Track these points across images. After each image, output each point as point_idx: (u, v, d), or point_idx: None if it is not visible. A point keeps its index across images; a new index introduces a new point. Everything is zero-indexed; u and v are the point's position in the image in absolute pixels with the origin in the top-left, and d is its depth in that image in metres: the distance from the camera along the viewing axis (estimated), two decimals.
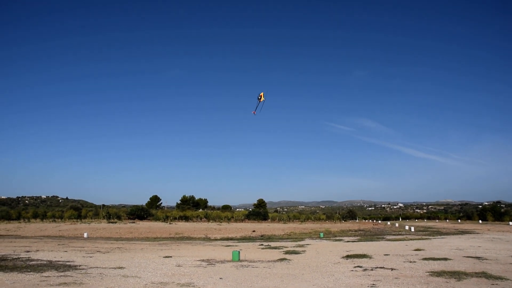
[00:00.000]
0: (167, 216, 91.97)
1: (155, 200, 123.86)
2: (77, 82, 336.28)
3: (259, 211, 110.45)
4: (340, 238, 31.69)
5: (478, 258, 16.25)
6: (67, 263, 14.51)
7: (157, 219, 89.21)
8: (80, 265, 13.94)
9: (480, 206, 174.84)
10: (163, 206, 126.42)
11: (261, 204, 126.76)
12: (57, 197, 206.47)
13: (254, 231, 44.09)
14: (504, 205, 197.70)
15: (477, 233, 38.26)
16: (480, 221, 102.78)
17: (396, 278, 11.04)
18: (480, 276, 11.29)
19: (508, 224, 74.90)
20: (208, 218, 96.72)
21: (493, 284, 10.12)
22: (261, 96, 22.08)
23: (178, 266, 13.90)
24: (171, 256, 17.31)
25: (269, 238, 32.75)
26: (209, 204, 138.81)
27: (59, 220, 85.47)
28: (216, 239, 30.98)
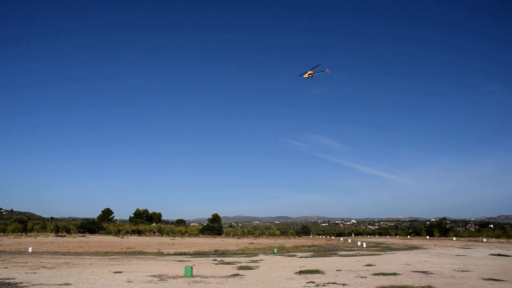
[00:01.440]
0: (119, 230, 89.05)
1: (107, 213, 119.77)
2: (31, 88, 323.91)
3: (214, 226, 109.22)
4: (294, 253, 31.80)
5: (424, 272, 16.78)
6: (7, 281, 13.66)
7: (108, 233, 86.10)
8: (21, 282, 13.18)
9: (428, 222, 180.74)
10: (116, 220, 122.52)
11: (215, 218, 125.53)
12: (1, 209, 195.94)
13: (216, 250, 43.46)
14: (449, 221, 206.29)
15: (425, 249, 39.58)
16: (428, 237, 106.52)
17: None
18: None
19: (452, 240, 78.31)
20: (161, 232, 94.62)
21: None
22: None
23: (129, 282, 13.42)
24: (121, 272, 16.69)
25: (223, 253, 32.40)
26: (163, 218, 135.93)
27: (1, 233, 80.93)
28: (169, 254, 30.28)
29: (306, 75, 23.39)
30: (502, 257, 27.78)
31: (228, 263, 22.27)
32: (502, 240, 77.41)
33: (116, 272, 16.46)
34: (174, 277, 14.88)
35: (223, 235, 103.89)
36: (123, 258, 25.82)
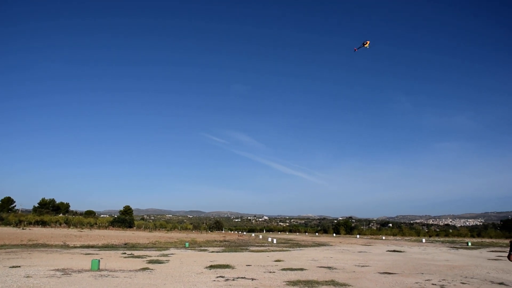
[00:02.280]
0: (21, 220, 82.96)
1: (7, 202, 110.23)
2: None
3: (125, 218, 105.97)
4: (205, 248, 31.88)
5: (329, 268, 17.73)
6: None
7: (8, 223, 79.72)
8: None
9: (335, 221, 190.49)
10: (17, 210, 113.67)
11: (127, 211, 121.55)
12: None
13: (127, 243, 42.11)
14: (354, 220, 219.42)
15: (331, 245, 41.69)
16: (334, 234, 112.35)
17: (255, 287, 11.46)
18: (329, 284, 12.33)
19: (356, 237, 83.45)
20: (68, 224, 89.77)
21: None
22: (367, 43, 23.19)
23: (27, 277, 12.58)
24: (19, 266, 15.56)
25: (133, 246, 31.57)
26: (71, 209, 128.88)
27: None
28: (75, 247, 28.87)
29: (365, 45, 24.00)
30: (396, 252, 30.22)
31: (138, 256, 21.79)
32: (397, 238, 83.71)
33: (13, 267, 15.25)
34: (80, 271, 14.26)
35: (135, 228, 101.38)
36: (23, 251, 24.12)
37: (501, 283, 13.65)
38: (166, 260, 19.83)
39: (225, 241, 48.15)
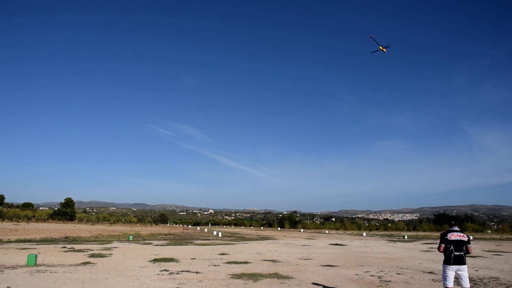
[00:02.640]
0: None
1: None
2: None
3: (66, 211, 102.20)
4: (150, 241, 31.41)
5: (273, 261, 18.03)
6: None
7: None
8: None
9: (280, 215, 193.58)
10: None
11: (68, 203, 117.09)
12: None
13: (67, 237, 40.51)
14: (299, 215, 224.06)
15: (275, 239, 42.35)
16: (279, 228, 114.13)
17: (200, 281, 11.45)
18: (273, 277, 12.55)
19: (300, 231, 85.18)
20: (3, 217, 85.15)
21: (282, 283, 11.38)
22: (383, 48, 23.08)
23: None
24: None
25: (74, 240, 30.52)
26: (6, 201, 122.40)
27: None
28: (10, 241, 27.48)
29: (382, 48, 23.85)
30: (338, 246, 31.23)
31: (79, 250, 21.12)
32: (340, 232, 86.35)
33: None
34: (14, 267, 13.59)
35: (76, 221, 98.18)
36: None
37: (430, 272, 14.65)
38: (109, 254, 19.37)
39: (170, 234, 47.61)
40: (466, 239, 7.99)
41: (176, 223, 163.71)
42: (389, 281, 12.25)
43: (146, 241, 31.49)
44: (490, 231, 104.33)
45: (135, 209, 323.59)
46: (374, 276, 13.41)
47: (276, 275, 12.95)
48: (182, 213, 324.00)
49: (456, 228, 8.13)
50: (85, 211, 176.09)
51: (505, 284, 12.14)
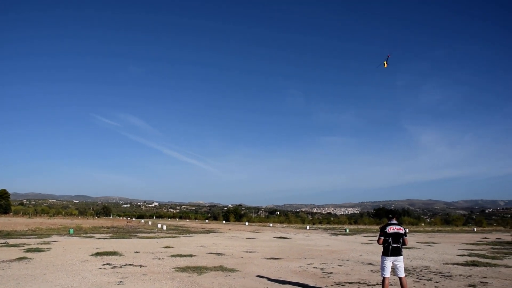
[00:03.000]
0: None
1: None
2: None
3: (0, 203, 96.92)
4: (92, 235, 30.53)
5: (218, 254, 18.14)
6: None
7: None
8: None
9: (226, 208, 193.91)
10: None
11: (3, 195, 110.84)
12: None
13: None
14: (244, 208, 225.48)
15: (220, 232, 42.47)
16: (224, 221, 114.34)
17: (144, 274, 11.33)
18: (218, 270, 12.65)
19: (245, 224, 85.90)
20: None
21: (227, 276, 11.51)
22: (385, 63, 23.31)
23: None
24: None
25: (9, 234, 29.06)
26: None
27: None
28: None
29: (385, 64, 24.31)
30: (282, 239, 31.80)
31: (14, 245, 20.17)
32: (284, 225, 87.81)
33: None
34: None
35: (11, 213, 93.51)
36: None
37: (370, 264, 15.32)
38: (48, 248, 18.67)
39: (113, 227, 46.44)
40: (403, 231, 8.45)
41: (120, 216, 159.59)
42: (331, 272, 12.70)
43: (88, 235, 30.57)
44: (423, 224, 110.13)
45: (77, 202, 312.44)
46: (316, 268, 13.83)
47: (221, 268, 13.06)
48: (126, 206, 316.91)
49: (394, 221, 8.57)
50: (21, 204, 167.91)
51: (434, 272, 13.08)
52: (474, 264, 15.64)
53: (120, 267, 12.69)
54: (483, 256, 19.11)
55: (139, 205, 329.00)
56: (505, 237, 41.30)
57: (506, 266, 15.25)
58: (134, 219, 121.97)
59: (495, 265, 15.37)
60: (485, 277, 12.22)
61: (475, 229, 72.65)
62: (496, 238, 38.67)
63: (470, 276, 12.43)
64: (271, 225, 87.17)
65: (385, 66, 24.12)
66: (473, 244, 29.27)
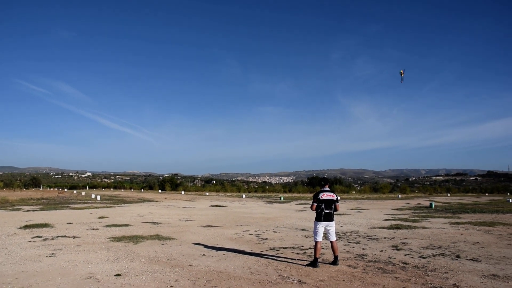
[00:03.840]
0: None
1: None
2: None
3: None
4: (20, 207, 29.14)
5: (154, 223, 18.13)
6: None
7: None
8: None
9: (161, 178, 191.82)
10: None
11: None
12: None
13: None
14: (180, 177, 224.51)
15: (156, 201, 42.19)
16: (160, 191, 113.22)
17: (78, 245, 11.13)
18: (154, 238, 12.70)
19: (181, 193, 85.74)
20: None
21: (163, 244, 11.62)
22: (402, 73, 23.41)
23: None
24: None
25: None
26: None
27: None
28: None
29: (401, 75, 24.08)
30: (218, 207, 32.26)
31: None
32: (220, 194, 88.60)
33: None
34: None
35: None
36: None
37: (303, 229, 16.04)
38: None
39: (43, 199, 44.50)
40: (335, 198, 8.93)
41: (51, 187, 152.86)
42: (266, 238, 13.16)
43: (15, 207, 29.15)
44: (354, 192, 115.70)
45: (1, 173, 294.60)
46: (252, 234, 14.26)
47: (157, 237, 13.11)
48: (57, 176, 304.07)
49: (326, 188, 9.01)
50: None
51: (362, 236, 14.03)
52: (397, 227, 16.92)
53: (52, 239, 12.34)
54: (405, 220, 20.69)
55: (72, 176, 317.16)
56: (425, 202, 44.71)
57: (424, 228, 16.72)
58: (66, 190, 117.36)
59: (414, 227, 16.77)
60: (406, 238, 13.30)
61: (399, 196, 77.74)
62: (417, 204, 41.79)
63: (393, 238, 13.45)
64: (207, 194, 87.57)
65: (402, 76, 24.98)
66: (397, 209, 31.41)
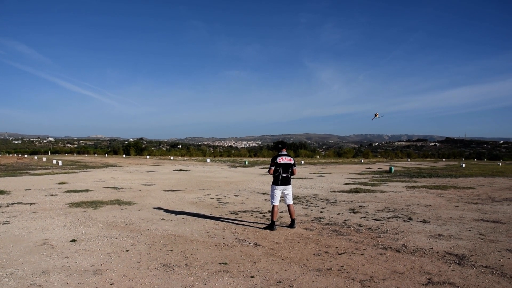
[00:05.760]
0: None
1: None
2: None
3: None
4: None
5: (116, 188, 17.99)
6: None
7: None
8: None
9: (126, 142, 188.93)
10: None
11: None
12: None
13: None
14: (145, 142, 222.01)
15: (120, 166, 41.70)
16: (124, 156, 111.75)
17: (34, 212, 10.93)
18: (114, 203, 12.64)
19: (146, 158, 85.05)
20: None
21: (123, 209, 11.60)
22: (377, 115, 25.24)
23: None
24: None
25: None
26: None
27: None
28: None
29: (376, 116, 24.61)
30: (182, 172, 32.27)
31: None
32: (185, 158, 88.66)
33: None
34: None
35: None
36: None
37: (264, 193, 16.33)
38: None
39: (0, 165, 43.17)
40: (292, 162, 9.06)
41: (10, 153, 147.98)
42: (227, 202, 13.34)
43: None
44: (318, 157, 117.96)
45: None
46: (213, 198, 14.41)
47: (118, 202, 13.05)
48: (16, 142, 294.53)
49: (284, 152, 9.11)
50: None
51: (321, 199, 14.42)
52: (356, 191, 17.46)
53: (7, 206, 12.05)
54: (365, 184, 21.34)
55: (32, 141, 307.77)
56: (385, 167, 46.08)
57: (381, 191, 17.32)
58: (26, 156, 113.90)
59: (373, 191, 17.34)
60: (364, 202, 13.76)
61: (362, 161, 79.69)
62: (378, 168, 43.06)
63: (351, 201, 13.89)
64: (172, 158, 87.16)
65: (376, 117, 25.14)
66: (358, 174, 32.28)
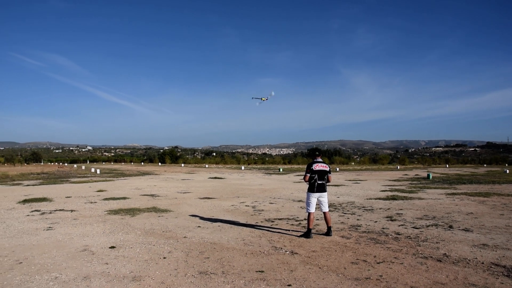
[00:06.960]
0: None
1: None
2: None
3: None
4: (20, 182, 29.31)
5: (152, 195, 18.28)
6: None
7: None
8: None
9: (161, 150, 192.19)
10: None
11: None
12: None
13: None
14: (180, 150, 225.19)
15: (156, 174, 42.41)
16: (160, 164, 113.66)
17: (75, 219, 11.24)
18: (151, 211, 12.84)
19: (181, 166, 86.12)
20: None
21: (160, 216, 11.76)
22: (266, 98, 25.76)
23: None
24: None
25: None
26: None
27: None
28: None
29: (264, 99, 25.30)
30: (217, 179, 32.45)
31: None
32: (220, 166, 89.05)
33: None
34: None
35: None
36: None
37: (299, 201, 16.26)
38: None
39: (43, 173, 44.71)
40: (328, 169, 8.96)
41: (51, 162, 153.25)
42: (262, 210, 13.30)
43: (15, 182, 29.33)
44: (353, 163, 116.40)
45: (2, 148, 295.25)
46: (248, 206, 14.41)
47: (154, 209, 13.24)
48: (57, 151, 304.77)
49: (319, 159, 9.02)
50: None
51: (358, 207, 14.18)
52: (393, 198, 17.06)
53: (50, 213, 12.46)
54: (402, 191, 20.83)
55: (72, 150, 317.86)
56: (423, 173, 44.89)
57: (419, 199, 16.84)
58: (66, 164, 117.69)
59: (410, 198, 16.90)
60: (401, 209, 13.42)
61: (398, 167, 78.08)
62: (415, 175, 41.99)
63: (389, 208, 13.58)
64: (206, 166, 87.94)
65: (264, 100, 25.55)
66: (395, 180, 31.60)
